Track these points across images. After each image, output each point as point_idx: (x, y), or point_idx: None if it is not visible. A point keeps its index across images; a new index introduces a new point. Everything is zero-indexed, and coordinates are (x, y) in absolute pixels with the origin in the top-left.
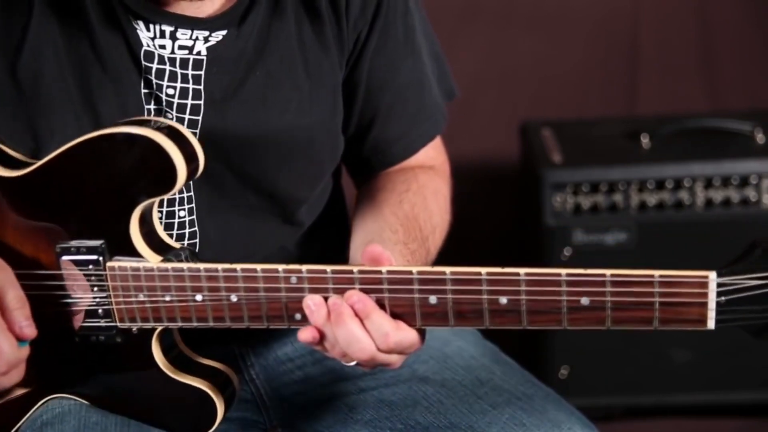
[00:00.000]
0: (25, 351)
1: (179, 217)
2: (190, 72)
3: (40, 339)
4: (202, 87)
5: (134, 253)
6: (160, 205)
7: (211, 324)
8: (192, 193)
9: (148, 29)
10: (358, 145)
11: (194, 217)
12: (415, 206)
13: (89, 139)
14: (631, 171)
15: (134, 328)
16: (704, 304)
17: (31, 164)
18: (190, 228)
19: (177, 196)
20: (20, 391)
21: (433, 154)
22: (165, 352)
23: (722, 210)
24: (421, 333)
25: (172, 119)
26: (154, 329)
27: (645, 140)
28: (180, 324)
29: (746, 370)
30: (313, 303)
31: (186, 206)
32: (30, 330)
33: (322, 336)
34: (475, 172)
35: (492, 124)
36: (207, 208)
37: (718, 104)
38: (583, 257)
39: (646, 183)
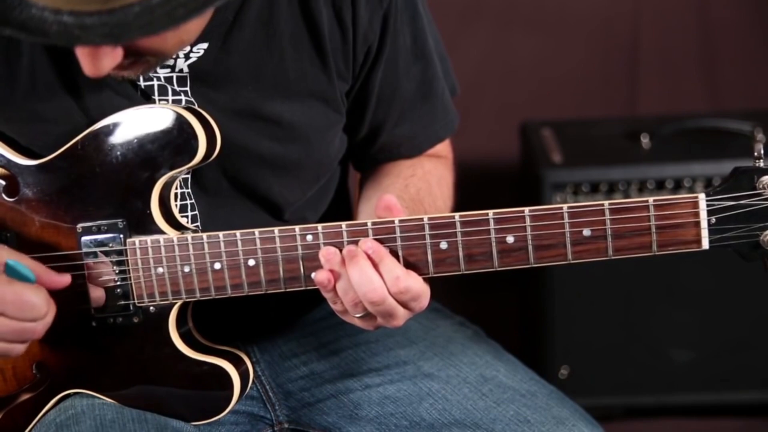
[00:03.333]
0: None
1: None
2: (177, 88)
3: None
4: (193, 99)
5: (153, 231)
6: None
7: (229, 292)
8: (193, 201)
9: None
10: (367, 145)
11: (198, 223)
12: (420, 191)
13: (111, 120)
14: (631, 171)
15: (152, 307)
16: (698, 224)
17: (49, 154)
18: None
19: (179, 203)
20: (29, 395)
21: (438, 147)
22: (181, 336)
23: None
24: (428, 284)
25: None
26: (171, 308)
27: (645, 140)
28: (198, 296)
29: (746, 370)
30: (327, 251)
31: (189, 213)
32: (65, 277)
33: (336, 280)
34: (475, 172)
35: (492, 124)
36: (209, 214)
37: (718, 104)
38: None
39: (646, 183)
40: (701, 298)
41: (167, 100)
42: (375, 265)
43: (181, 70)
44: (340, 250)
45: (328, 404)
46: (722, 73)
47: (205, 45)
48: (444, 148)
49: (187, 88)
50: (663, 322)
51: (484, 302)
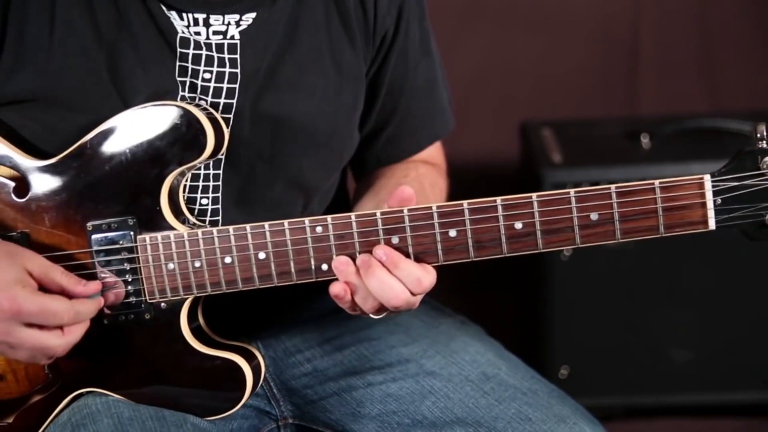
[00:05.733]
0: (88, 303)
1: (201, 205)
2: (226, 56)
3: None
4: (238, 70)
5: (164, 227)
6: (183, 191)
7: (240, 286)
8: (220, 183)
9: (181, 18)
10: (372, 140)
11: (219, 206)
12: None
13: (118, 119)
14: (631, 171)
15: (163, 304)
16: (704, 204)
17: (58, 154)
18: (212, 216)
19: (201, 183)
20: (41, 395)
21: (434, 153)
22: (192, 331)
23: None
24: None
25: (207, 104)
26: (182, 304)
27: (645, 140)
28: (209, 290)
29: (746, 370)
30: (339, 263)
31: (210, 195)
32: (92, 285)
33: (352, 291)
34: (475, 172)
35: (492, 124)
36: (234, 199)
37: (718, 104)
38: (584, 257)
39: None
40: (701, 298)
41: (212, 72)
42: (389, 271)
43: (232, 37)
44: (353, 259)
45: (331, 402)
46: (722, 73)
47: (253, 14)
48: (437, 155)
49: (237, 56)
50: (663, 322)
51: (485, 302)
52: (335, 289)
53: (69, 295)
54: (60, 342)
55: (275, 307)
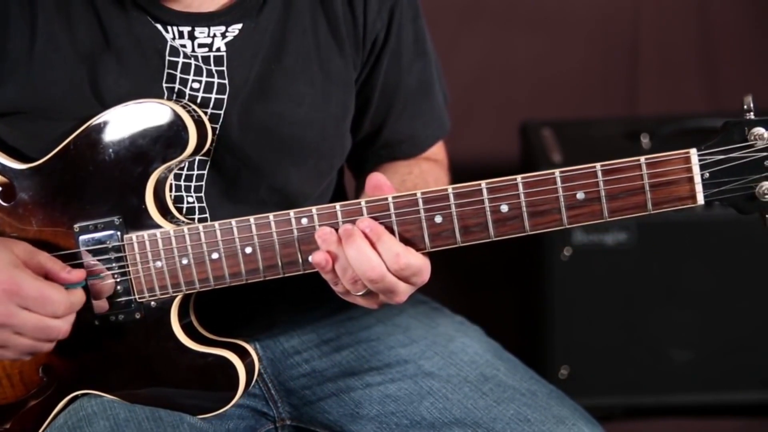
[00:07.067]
0: (80, 293)
1: (188, 203)
2: (213, 68)
3: None
4: (226, 81)
5: (150, 226)
6: (169, 190)
7: (228, 281)
8: (203, 183)
9: (166, 31)
10: (370, 143)
11: (204, 204)
12: (417, 186)
13: (101, 119)
14: None
15: (153, 302)
16: (691, 179)
17: (42, 157)
18: (200, 214)
19: (184, 183)
20: (37, 399)
21: (435, 150)
22: (183, 328)
23: (722, 210)
24: (429, 258)
25: None
26: (171, 301)
27: (645, 140)
28: (198, 287)
29: (746, 370)
30: (323, 231)
31: (194, 194)
32: (76, 273)
33: (333, 260)
34: (475, 172)
35: (492, 124)
36: (218, 199)
37: (718, 104)
38: (584, 257)
39: None
40: (701, 298)
41: (200, 81)
42: (372, 244)
43: (218, 49)
44: (336, 230)
45: (329, 402)
46: (722, 73)
47: (239, 25)
48: (440, 151)
49: (224, 68)
50: (663, 322)
51: (484, 302)
52: (317, 257)
53: (54, 281)
54: (60, 323)
55: (274, 308)
